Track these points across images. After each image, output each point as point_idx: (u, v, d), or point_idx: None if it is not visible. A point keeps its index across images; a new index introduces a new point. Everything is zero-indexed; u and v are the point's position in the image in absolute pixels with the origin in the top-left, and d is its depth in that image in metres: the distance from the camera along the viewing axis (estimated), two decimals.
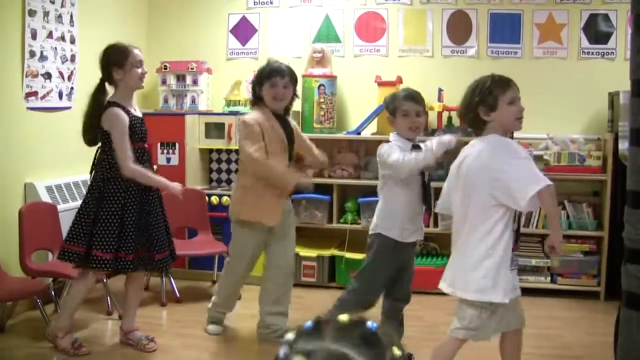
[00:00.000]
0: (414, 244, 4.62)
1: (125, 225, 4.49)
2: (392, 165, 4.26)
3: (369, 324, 1.29)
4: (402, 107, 4.39)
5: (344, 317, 1.29)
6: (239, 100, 6.82)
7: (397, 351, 1.27)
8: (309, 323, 1.29)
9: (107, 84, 4.62)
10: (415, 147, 4.40)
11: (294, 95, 4.88)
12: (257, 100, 4.79)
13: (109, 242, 4.44)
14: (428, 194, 4.47)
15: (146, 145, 4.68)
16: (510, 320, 3.72)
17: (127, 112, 4.54)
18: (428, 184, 4.47)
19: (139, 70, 4.60)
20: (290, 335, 1.28)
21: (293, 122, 5.00)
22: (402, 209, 4.41)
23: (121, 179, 4.47)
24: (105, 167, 4.52)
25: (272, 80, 4.69)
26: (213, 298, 5.20)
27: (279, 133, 4.71)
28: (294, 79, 4.83)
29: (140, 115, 4.69)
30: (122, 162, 4.42)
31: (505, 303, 3.58)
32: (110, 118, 4.47)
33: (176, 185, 4.73)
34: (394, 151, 4.30)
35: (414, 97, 4.43)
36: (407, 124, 4.39)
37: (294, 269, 5.16)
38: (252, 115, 4.75)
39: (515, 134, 6.16)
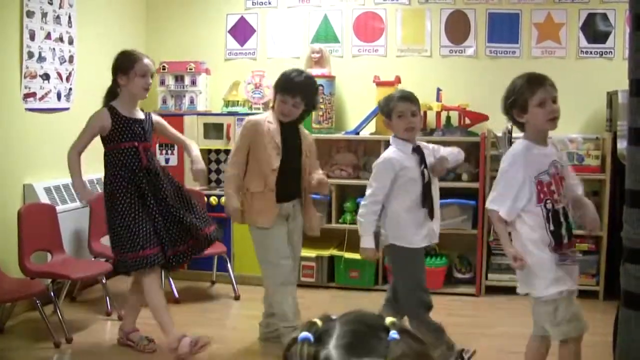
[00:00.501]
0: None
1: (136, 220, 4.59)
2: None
3: (393, 333, 1.21)
4: (397, 109, 4.38)
5: (390, 320, 1.24)
6: (238, 101, 6.82)
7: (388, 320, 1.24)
8: (333, 317, 1.27)
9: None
10: (416, 150, 4.40)
11: (312, 107, 4.87)
12: (273, 104, 4.79)
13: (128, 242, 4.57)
14: (428, 197, 4.41)
15: (140, 145, 4.65)
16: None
17: (113, 112, 4.62)
18: (428, 187, 4.42)
19: (143, 81, 4.63)
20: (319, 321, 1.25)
21: (306, 134, 4.91)
22: (406, 216, 4.40)
23: (115, 177, 4.59)
24: (105, 168, 4.67)
25: (283, 97, 4.62)
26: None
27: (277, 138, 4.64)
28: (308, 95, 4.67)
29: (138, 117, 4.71)
30: (70, 147, 4.63)
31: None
32: (91, 116, 4.67)
33: (84, 195, 4.84)
34: (373, 180, 4.44)
35: (408, 97, 4.42)
36: (403, 125, 4.38)
37: (297, 272, 5.05)
38: (258, 116, 4.86)
39: (515, 134, 6.18)
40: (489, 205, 3.74)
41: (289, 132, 4.73)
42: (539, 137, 3.69)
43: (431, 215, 4.42)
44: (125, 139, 4.62)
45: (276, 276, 4.66)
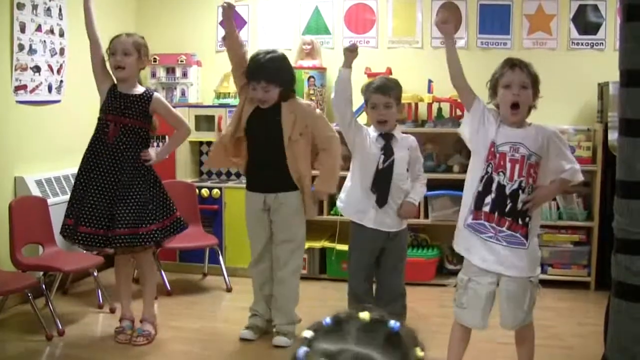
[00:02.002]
0: (390, 235, 4.50)
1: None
2: (332, 101, 4.47)
3: (392, 323, 1.26)
4: (371, 100, 4.39)
5: (365, 315, 1.26)
6: (229, 93, 6.81)
7: (419, 352, 1.26)
8: (328, 320, 1.26)
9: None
10: (384, 136, 4.40)
11: (289, 85, 4.64)
12: None
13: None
14: (379, 184, 4.41)
15: (113, 119, 4.60)
16: None
17: (113, 89, 4.67)
18: (382, 174, 4.40)
19: (112, 59, 4.65)
20: (308, 333, 1.24)
21: (296, 106, 4.64)
22: (360, 192, 4.47)
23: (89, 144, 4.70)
24: None
25: (251, 84, 4.55)
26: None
27: (245, 116, 4.64)
28: (275, 75, 4.51)
29: (131, 92, 4.66)
30: None
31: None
32: None
33: None
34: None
35: (382, 88, 4.38)
36: (375, 117, 4.40)
37: (284, 270, 4.79)
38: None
39: None
40: None
41: (266, 111, 4.61)
42: (510, 122, 3.70)
43: (379, 202, 4.40)
44: (102, 110, 4.67)
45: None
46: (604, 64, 6.30)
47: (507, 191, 3.61)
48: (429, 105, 6.40)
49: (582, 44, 6.56)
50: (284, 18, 7.04)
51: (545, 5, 6.58)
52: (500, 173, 3.63)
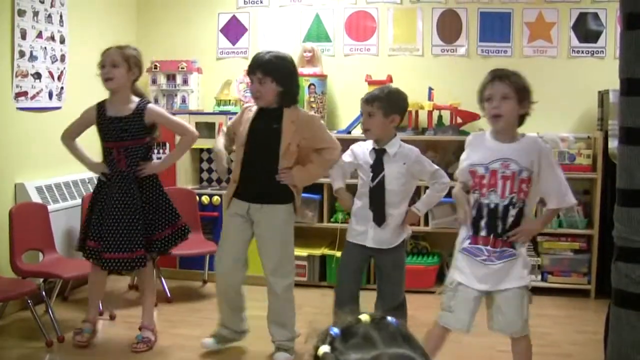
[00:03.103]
0: (368, 250, 4.49)
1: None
2: None
3: (390, 319, 1.28)
4: (361, 109, 4.41)
5: (365, 317, 1.27)
6: (229, 100, 6.82)
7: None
8: (336, 330, 1.25)
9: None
10: (376, 152, 4.39)
11: (288, 87, 4.49)
12: None
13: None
14: (373, 202, 4.40)
15: (114, 146, 4.68)
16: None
17: (100, 110, 4.73)
18: (375, 192, 4.39)
19: (101, 72, 4.69)
20: (325, 348, 1.23)
21: (297, 116, 4.52)
22: (356, 210, 4.49)
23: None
24: None
25: (249, 77, 4.55)
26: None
27: (245, 128, 4.55)
28: (272, 70, 4.42)
29: (116, 115, 4.68)
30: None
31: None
32: None
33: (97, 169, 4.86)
34: (344, 154, 4.58)
35: (366, 98, 4.38)
36: (362, 126, 4.41)
37: (279, 285, 4.62)
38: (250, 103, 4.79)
39: None
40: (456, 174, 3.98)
41: (265, 118, 4.54)
42: (497, 131, 3.74)
43: (377, 220, 4.39)
44: (103, 138, 4.74)
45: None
46: (604, 71, 6.31)
47: (500, 209, 3.66)
48: (429, 112, 6.40)
49: (582, 52, 6.57)
50: (285, 25, 7.05)
51: (546, 13, 6.60)
52: (484, 192, 3.68)
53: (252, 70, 4.47)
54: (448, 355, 4.19)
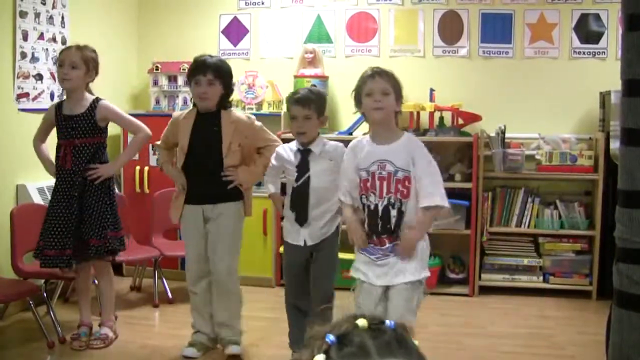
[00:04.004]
0: (305, 248, 4.45)
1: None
2: None
3: (387, 323, 1.27)
4: (291, 111, 4.37)
5: (362, 322, 1.26)
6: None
7: (415, 341, 1.28)
8: (332, 338, 1.24)
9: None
10: (301, 152, 4.37)
11: (229, 90, 4.65)
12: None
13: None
14: (297, 202, 4.39)
15: (64, 144, 4.71)
16: None
17: (58, 109, 4.78)
18: (299, 191, 4.37)
19: (59, 71, 4.74)
20: (321, 357, 1.22)
21: (235, 118, 4.62)
22: (285, 211, 4.49)
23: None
24: None
25: (195, 78, 4.51)
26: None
27: (186, 135, 4.57)
28: (221, 72, 4.54)
29: (70, 113, 4.72)
30: None
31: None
32: None
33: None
34: (272, 157, 4.56)
35: (301, 101, 4.34)
36: (294, 129, 4.37)
37: (226, 281, 4.65)
38: (180, 112, 4.86)
39: (508, 134, 6.20)
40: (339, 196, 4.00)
41: (204, 122, 4.58)
42: (376, 132, 3.86)
43: (299, 220, 4.39)
44: (57, 137, 4.78)
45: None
46: (605, 73, 6.30)
47: (379, 210, 3.75)
48: (431, 114, 6.40)
49: (584, 53, 6.56)
50: (286, 27, 7.05)
51: (547, 14, 6.59)
52: (371, 193, 3.76)
53: (202, 71, 4.48)
54: (449, 356, 4.21)
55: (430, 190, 3.70)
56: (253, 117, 4.78)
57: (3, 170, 5.37)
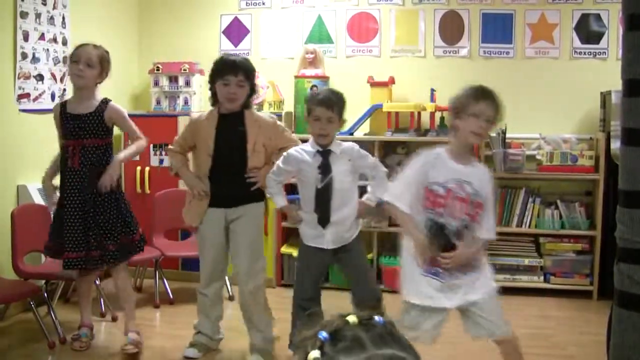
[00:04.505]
0: (329, 252, 4.43)
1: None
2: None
3: (377, 318, 1.29)
4: (314, 112, 4.31)
5: (353, 318, 1.27)
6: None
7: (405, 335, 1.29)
8: (324, 334, 1.25)
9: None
10: (321, 153, 4.33)
11: (253, 90, 4.59)
12: (214, 99, 4.58)
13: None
14: (320, 204, 4.35)
15: (72, 144, 4.63)
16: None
17: (62, 108, 4.70)
18: (321, 193, 4.34)
19: (72, 66, 4.65)
20: (316, 353, 1.23)
21: (258, 117, 4.57)
22: (303, 214, 4.46)
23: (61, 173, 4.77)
24: None
25: (224, 79, 4.40)
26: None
27: (210, 136, 4.50)
28: (249, 73, 4.46)
29: (77, 112, 4.63)
30: None
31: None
32: None
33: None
34: (280, 161, 4.44)
35: (326, 102, 4.29)
36: (317, 130, 4.31)
37: (249, 285, 4.58)
38: (197, 114, 4.82)
39: (508, 134, 6.20)
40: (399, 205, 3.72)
41: (228, 123, 4.51)
42: (459, 150, 3.67)
43: (322, 223, 4.36)
44: (62, 136, 4.71)
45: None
46: (606, 73, 6.30)
47: (453, 230, 3.64)
48: (432, 114, 6.40)
49: (584, 53, 6.56)
50: (287, 27, 7.05)
51: (548, 15, 6.59)
52: (439, 211, 3.64)
53: (233, 72, 4.38)
54: (448, 356, 4.20)
55: (492, 224, 3.68)
56: (275, 117, 4.77)
57: (4, 171, 5.38)
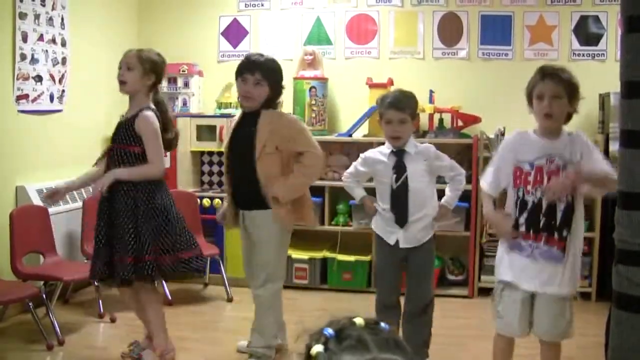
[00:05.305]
0: (401, 250, 4.39)
1: None
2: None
3: (383, 325, 1.30)
4: (385, 115, 4.27)
5: (360, 321, 1.29)
6: (230, 103, 6.81)
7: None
8: (330, 331, 1.27)
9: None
10: (396, 154, 4.30)
11: (278, 91, 4.47)
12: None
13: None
14: (396, 204, 4.33)
15: (109, 149, 4.49)
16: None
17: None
18: (397, 193, 4.31)
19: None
20: (319, 347, 1.24)
21: (272, 118, 4.42)
22: (380, 213, 4.43)
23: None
24: None
25: (242, 77, 4.37)
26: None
27: (227, 135, 4.52)
28: (270, 73, 4.38)
29: (124, 118, 4.47)
30: None
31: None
32: None
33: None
34: (357, 162, 4.50)
35: (396, 104, 4.24)
36: (389, 133, 4.28)
37: (259, 290, 4.53)
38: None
39: (507, 136, 6.19)
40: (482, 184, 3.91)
41: (245, 122, 4.45)
42: (542, 128, 3.68)
43: (399, 222, 4.33)
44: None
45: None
46: (605, 74, 6.29)
47: (543, 205, 3.63)
48: (431, 115, 6.41)
49: (583, 55, 6.57)
50: (286, 28, 7.05)
51: (547, 16, 6.60)
52: (528, 189, 3.65)
53: (250, 70, 4.35)
54: (448, 357, 4.20)
55: (607, 167, 3.59)
56: (296, 117, 4.73)
57: (3, 172, 5.37)
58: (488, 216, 3.82)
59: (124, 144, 4.38)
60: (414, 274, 4.43)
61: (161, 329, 4.63)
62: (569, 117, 3.71)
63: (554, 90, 3.60)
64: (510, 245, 3.72)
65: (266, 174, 4.35)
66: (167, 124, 4.53)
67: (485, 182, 3.84)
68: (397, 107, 4.23)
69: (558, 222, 3.63)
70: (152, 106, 4.46)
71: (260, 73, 4.34)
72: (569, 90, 3.64)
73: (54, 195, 4.62)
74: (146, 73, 4.44)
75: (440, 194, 4.50)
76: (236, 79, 4.44)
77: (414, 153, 4.32)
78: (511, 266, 3.72)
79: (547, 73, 3.64)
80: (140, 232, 4.31)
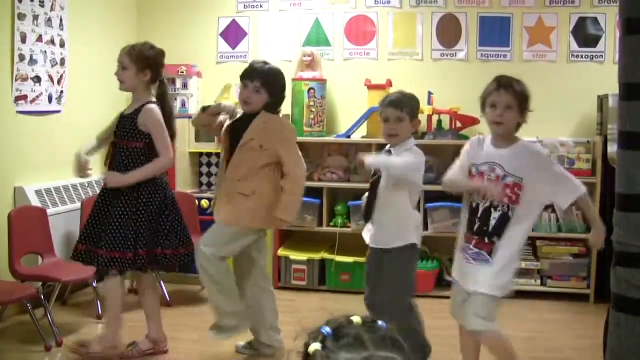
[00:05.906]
0: (375, 250, 4.36)
1: None
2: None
3: (380, 323, 1.31)
4: (384, 113, 4.28)
5: (357, 319, 1.30)
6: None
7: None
8: (328, 330, 1.28)
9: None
10: (388, 153, 4.29)
11: (277, 100, 4.59)
12: None
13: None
14: (368, 197, 4.34)
15: (112, 144, 4.62)
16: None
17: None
18: (372, 186, 4.30)
19: None
20: (317, 345, 1.25)
21: (264, 120, 4.51)
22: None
23: None
24: None
25: (243, 83, 4.52)
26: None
27: (227, 134, 4.61)
28: (270, 81, 4.49)
29: (126, 112, 4.58)
30: None
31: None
32: None
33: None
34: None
35: (394, 102, 4.25)
36: (386, 131, 4.28)
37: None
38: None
39: None
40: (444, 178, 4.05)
41: (242, 122, 4.57)
42: (493, 135, 3.83)
43: (365, 216, 4.37)
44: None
45: None
46: (603, 76, 6.30)
47: (480, 210, 3.76)
48: (429, 117, 6.41)
49: (582, 57, 6.57)
50: (285, 30, 7.05)
51: (546, 18, 6.60)
52: (475, 192, 3.78)
53: (250, 77, 4.48)
54: (446, 359, 4.19)
55: (568, 185, 3.77)
56: (292, 128, 4.85)
57: (1, 173, 5.37)
58: (470, 183, 3.82)
59: (127, 139, 4.49)
60: (384, 284, 4.30)
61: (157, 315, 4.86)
62: (518, 127, 3.82)
63: (508, 101, 3.72)
64: (460, 248, 3.89)
65: (240, 166, 4.47)
66: (166, 119, 4.61)
67: (451, 171, 3.98)
68: (395, 104, 4.25)
69: (490, 229, 3.74)
70: (154, 100, 4.58)
71: (259, 81, 4.45)
72: (520, 102, 3.76)
73: (83, 170, 4.66)
74: (140, 70, 4.53)
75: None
76: (240, 82, 4.59)
77: (397, 155, 4.24)
78: (456, 265, 3.96)
79: (502, 84, 3.77)
80: (138, 227, 4.45)
